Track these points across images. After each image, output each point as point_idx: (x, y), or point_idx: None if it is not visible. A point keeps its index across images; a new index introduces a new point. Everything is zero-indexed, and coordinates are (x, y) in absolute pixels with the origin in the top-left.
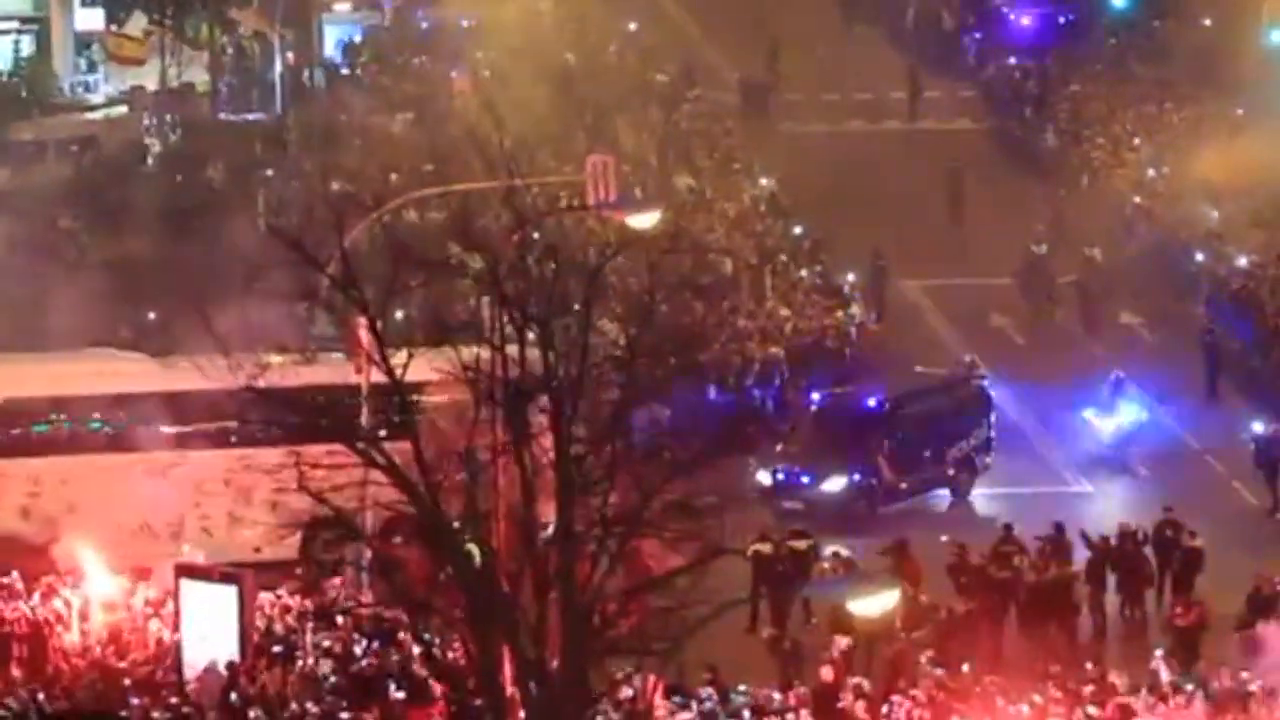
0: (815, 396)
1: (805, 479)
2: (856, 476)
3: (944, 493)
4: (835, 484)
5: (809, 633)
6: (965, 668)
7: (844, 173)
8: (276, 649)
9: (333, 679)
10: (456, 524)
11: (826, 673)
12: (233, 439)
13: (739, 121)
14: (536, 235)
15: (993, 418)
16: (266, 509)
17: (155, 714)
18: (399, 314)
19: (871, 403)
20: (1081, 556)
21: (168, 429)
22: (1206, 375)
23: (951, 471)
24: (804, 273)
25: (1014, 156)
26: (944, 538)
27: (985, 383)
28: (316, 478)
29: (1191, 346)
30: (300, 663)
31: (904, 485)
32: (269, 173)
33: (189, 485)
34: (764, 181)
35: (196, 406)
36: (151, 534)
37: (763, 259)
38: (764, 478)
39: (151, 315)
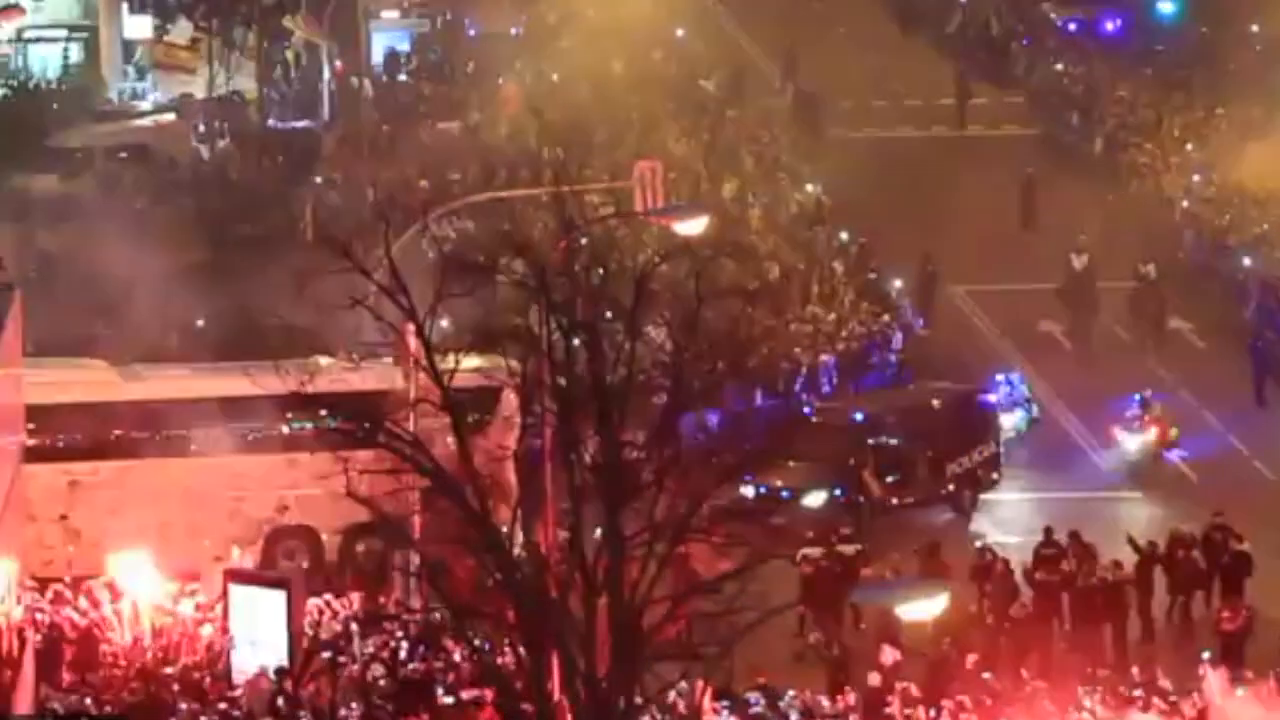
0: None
1: (785, 493)
2: (838, 491)
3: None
4: (815, 499)
5: (857, 638)
6: (1019, 674)
7: (892, 179)
8: (325, 654)
9: (382, 683)
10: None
11: (874, 679)
12: (192, 448)
13: (788, 128)
14: (584, 241)
15: (1001, 434)
16: (225, 517)
17: (204, 718)
18: (444, 322)
19: (859, 415)
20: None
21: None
22: (1255, 380)
23: (951, 488)
24: (851, 278)
25: (1062, 162)
26: (978, 542)
27: (991, 398)
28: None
29: (1240, 351)
30: (349, 668)
31: (894, 500)
32: (317, 180)
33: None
34: (810, 188)
35: (155, 415)
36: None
37: (810, 264)
38: (746, 490)
39: (200, 322)
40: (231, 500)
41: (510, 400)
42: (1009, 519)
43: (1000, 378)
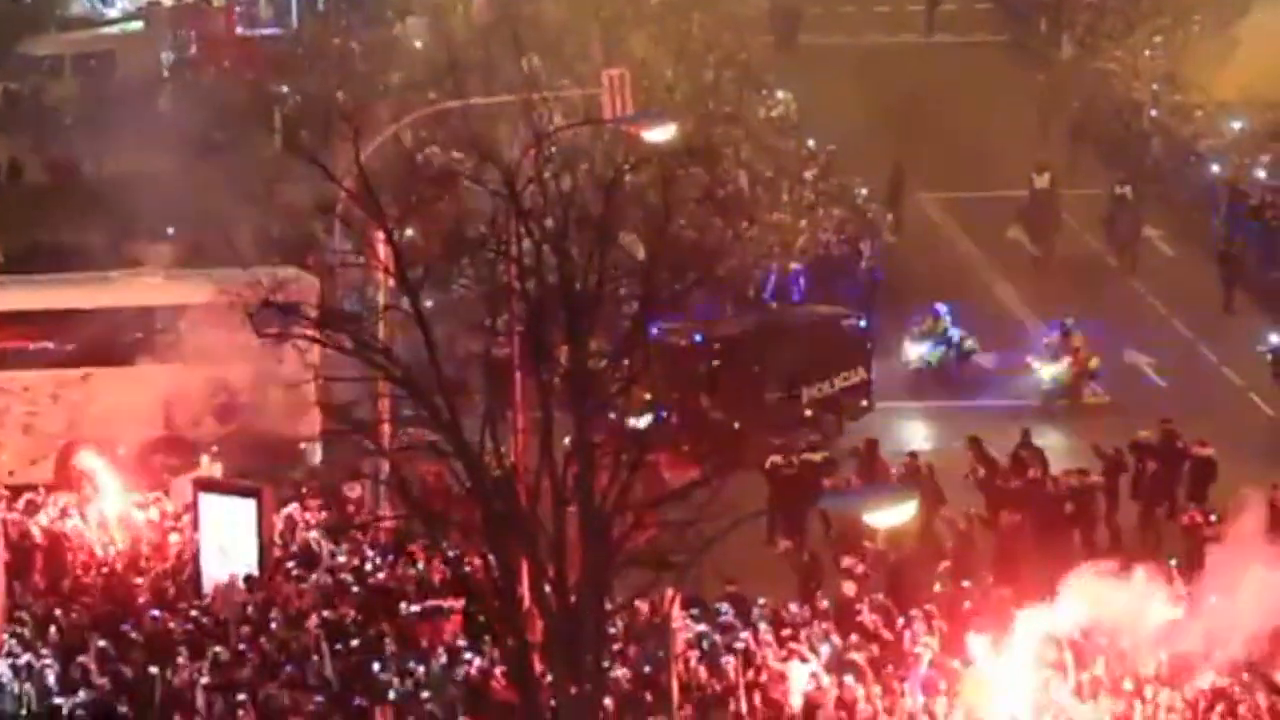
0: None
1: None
2: (663, 414)
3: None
4: (641, 420)
5: (827, 546)
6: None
7: (861, 86)
8: (295, 562)
9: (352, 591)
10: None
11: (849, 588)
12: None
13: (758, 36)
14: (554, 149)
15: (871, 358)
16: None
17: (173, 625)
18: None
19: (698, 337)
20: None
21: None
22: (1224, 288)
23: (809, 413)
24: (819, 186)
25: (1030, 70)
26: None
27: (861, 324)
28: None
29: (1209, 259)
30: (318, 576)
31: (735, 424)
32: (284, 88)
33: None
34: (780, 94)
35: None
36: None
37: (779, 172)
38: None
39: (170, 230)
40: (25, 415)
41: None
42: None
43: (942, 308)
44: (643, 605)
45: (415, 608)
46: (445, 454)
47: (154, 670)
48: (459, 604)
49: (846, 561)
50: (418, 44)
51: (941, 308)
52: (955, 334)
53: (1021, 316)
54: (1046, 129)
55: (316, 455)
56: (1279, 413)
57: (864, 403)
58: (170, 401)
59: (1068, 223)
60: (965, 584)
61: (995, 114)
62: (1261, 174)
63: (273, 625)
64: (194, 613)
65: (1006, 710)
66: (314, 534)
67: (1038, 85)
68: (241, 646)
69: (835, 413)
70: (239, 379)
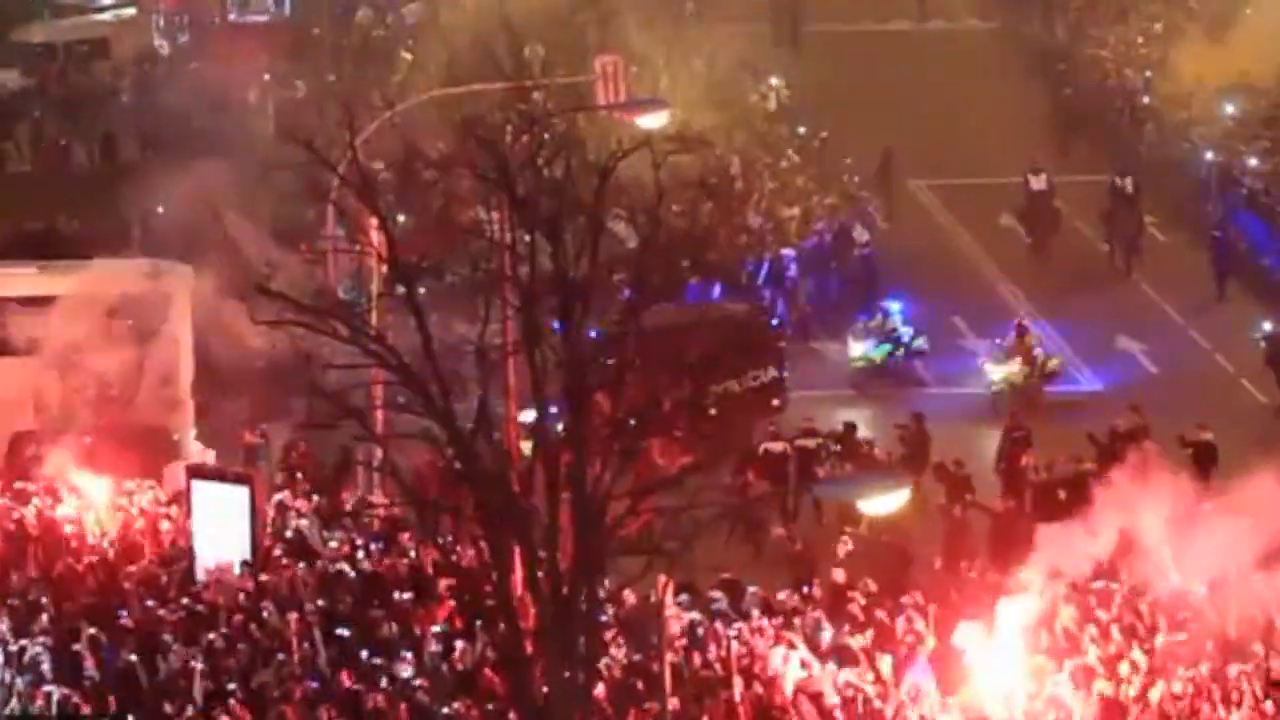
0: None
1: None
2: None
3: None
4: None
5: (820, 532)
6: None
7: (853, 73)
8: (288, 549)
9: (345, 579)
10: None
11: (839, 575)
12: None
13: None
14: (547, 135)
15: (783, 356)
16: None
17: (163, 612)
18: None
19: (592, 334)
20: None
21: None
22: (1216, 274)
23: (713, 412)
24: (811, 173)
25: (1022, 56)
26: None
27: (775, 322)
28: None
29: (1201, 245)
30: (311, 564)
31: (630, 422)
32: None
33: None
34: (774, 81)
35: None
36: None
37: (771, 158)
38: None
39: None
40: None
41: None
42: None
43: (892, 305)
44: (636, 593)
45: (409, 595)
46: (438, 441)
47: (145, 658)
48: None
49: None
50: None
51: (891, 305)
52: (905, 332)
53: (1013, 303)
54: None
55: (190, 446)
56: (1272, 399)
57: (775, 402)
58: (40, 393)
59: (1066, 220)
60: (963, 570)
61: (988, 100)
62: (1254, 161)
63: (265, 613)
64: (185, 600)
65: (1000, 697)
66: (305, 521)
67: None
68: (233, 633)
69: (744, 412)
70: (110, 371)
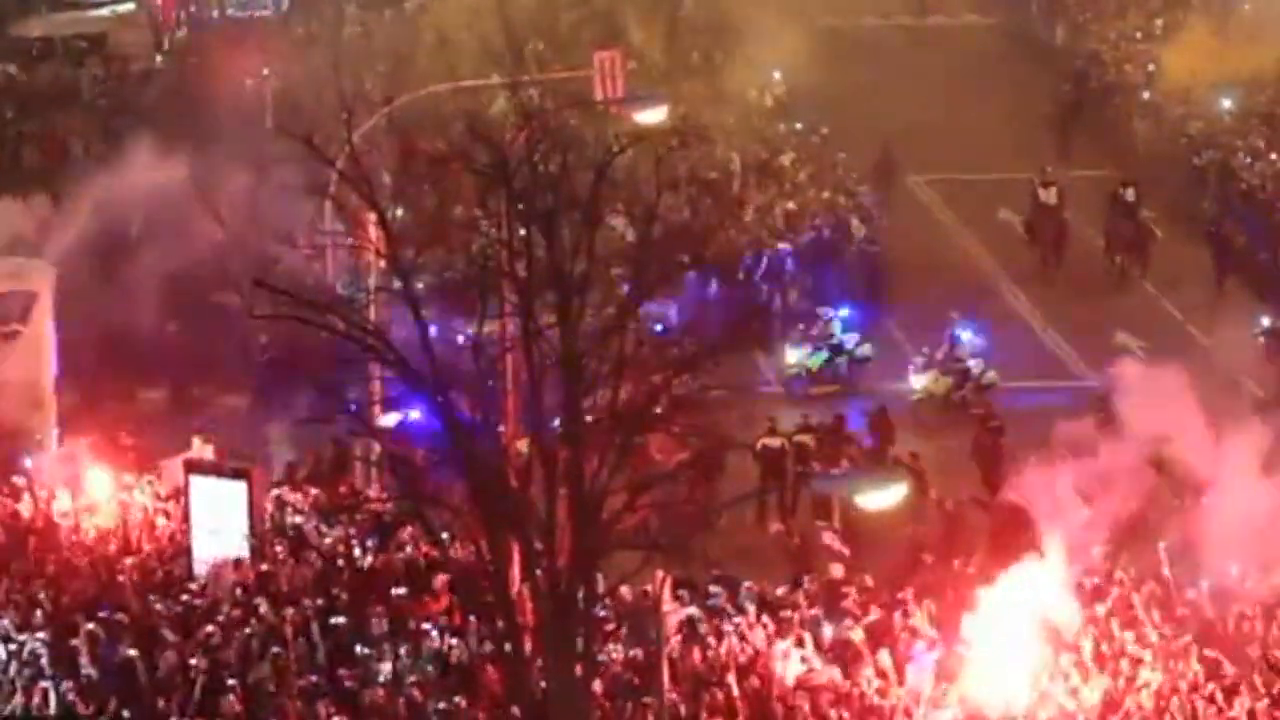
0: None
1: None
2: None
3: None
4: (389, 419)
5: (818, 527)
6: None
7: (853, 68)
8: (287, 544)
9: (345, 574)
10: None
11: (836, 570)
12: None
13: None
14: (544, 131)
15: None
16: None
17: (160, 607)
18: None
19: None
20: None
21: None
22: (1215, 269)
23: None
24: (810, 168)
25: (1021, 52)
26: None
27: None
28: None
29: (1200, 241)
30: (308, 559)
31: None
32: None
33: None
34: (776, 75)
35: None
36: None
37: (770, 154)
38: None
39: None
40: None
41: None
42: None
43: (830, 311)
44: (633, 588)
45: (407, 590)
46: (436, 436)
47: (143, 653)
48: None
49: (827, 538)
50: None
51: (830, 311)
52: (846, 339)
53: (1011, 300)
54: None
55: (52, 444)
56: (1268, 394)
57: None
58: None
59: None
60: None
61: (988, 96)
62: (1251, 157)
63: (262, 608)
64: (185, 596)
65: (1000, 692)
66: (302, 516)
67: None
68: (231, 628)
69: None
70: None
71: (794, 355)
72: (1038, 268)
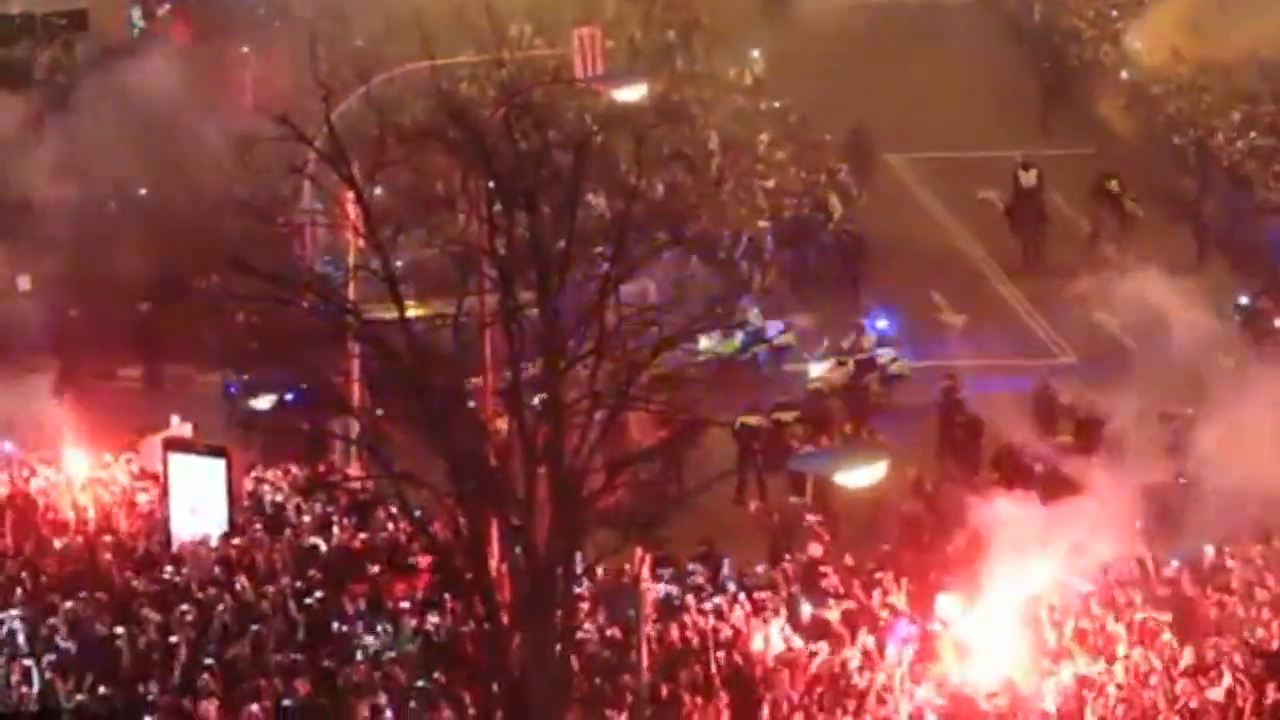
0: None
1: (232, 389)
2: (290, 396)
3: None
4: (263, 401)
5: (797, 506)
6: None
7: (833, 47)
8: (265, 522)
9: (322, 552)
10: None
11: (815, 549)
12: None
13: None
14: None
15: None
16: None
17: (138, 585)
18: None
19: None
20: None
21: None
22: (1195, 247)
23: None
24: (787, 146)
25: (1001, 28)
26: None
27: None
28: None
29: (1178, 220)
30: (287, 537)
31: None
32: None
33: None
34: (754, 54)
35: None
36: None
37: (749, 133)
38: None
39: (143, 192)
40: None
41: None
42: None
43: (746, 299)
44: (613, 566)
45: (385, 568)
46: (415, 414)
47: (121, 631)
48: (428, 561)
49: (810, 518)
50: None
51: (870, 322)
52: (881, 354)
53: (990, 277)
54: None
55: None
56: (1243, 369)
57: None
58: None
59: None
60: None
61: (967, 73)
62: (1230, 135)
63: (240, 586)
64: (165, 574)
65: (981, 670)
66: (281, 495)
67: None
68: (208, 606)
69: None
70: None
71: (705, 342)
72: (1018, 249)
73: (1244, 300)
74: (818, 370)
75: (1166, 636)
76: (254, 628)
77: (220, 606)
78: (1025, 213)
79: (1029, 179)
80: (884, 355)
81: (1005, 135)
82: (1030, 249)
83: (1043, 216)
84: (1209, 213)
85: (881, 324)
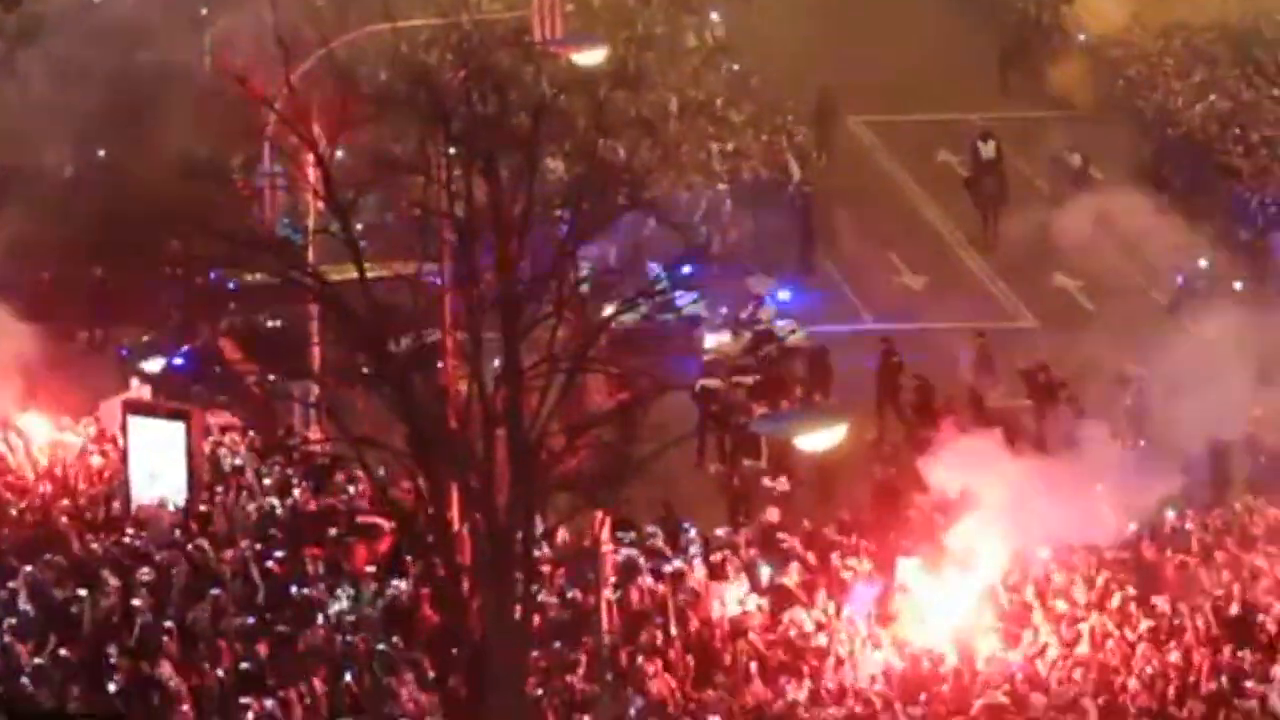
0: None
1: (124, 352)
2: (180, 361)
3: None
4: (153, 365)
5: (756, 469)
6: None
7: (792, 9)
8: (225, 486)
9: (280, 514)
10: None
11: (773, 513)
12: None
13: None
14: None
15: None
16: None
17: (95, 546)
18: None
19: (230, 284)
20: None
21: None
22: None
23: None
24: (747, 109)
25: None
26: None
27: None
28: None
29: (1139, 185)
30: (246, 500)
31: (255, 370)
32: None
33: None
34: (714, 17)
35: None
36: None
37: (708, 96)
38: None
39: (101, 153)
40: None
41: None
42: None
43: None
44: (573, 529)
45: (351, 525)
46: (375, 377)
47: (83, 594)
48: (389, 524)
49: (770, 482)
50: None
51: (655, 265)
52: (779, 326)
53: (949, 239)
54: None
55: None
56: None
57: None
58: None
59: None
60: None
61: (927, 36)
62: (1190, 99)
63: (200, 549)
64: (125, 539)
65: (939, 633)
66: (241, 458)
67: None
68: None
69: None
70: None
71: (712, 340)
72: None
73: (1203, 263)
74: (713, 341)
75: (1121, 599)
76: (213, 591)
77: (179, 570)
78: (985, 187)
79: (988, 151)
80: (783, 326)
81: (965, 98)
82: (990, 221)
83: (1003, 190)
84: (1167, 175)
85: (784, 295)
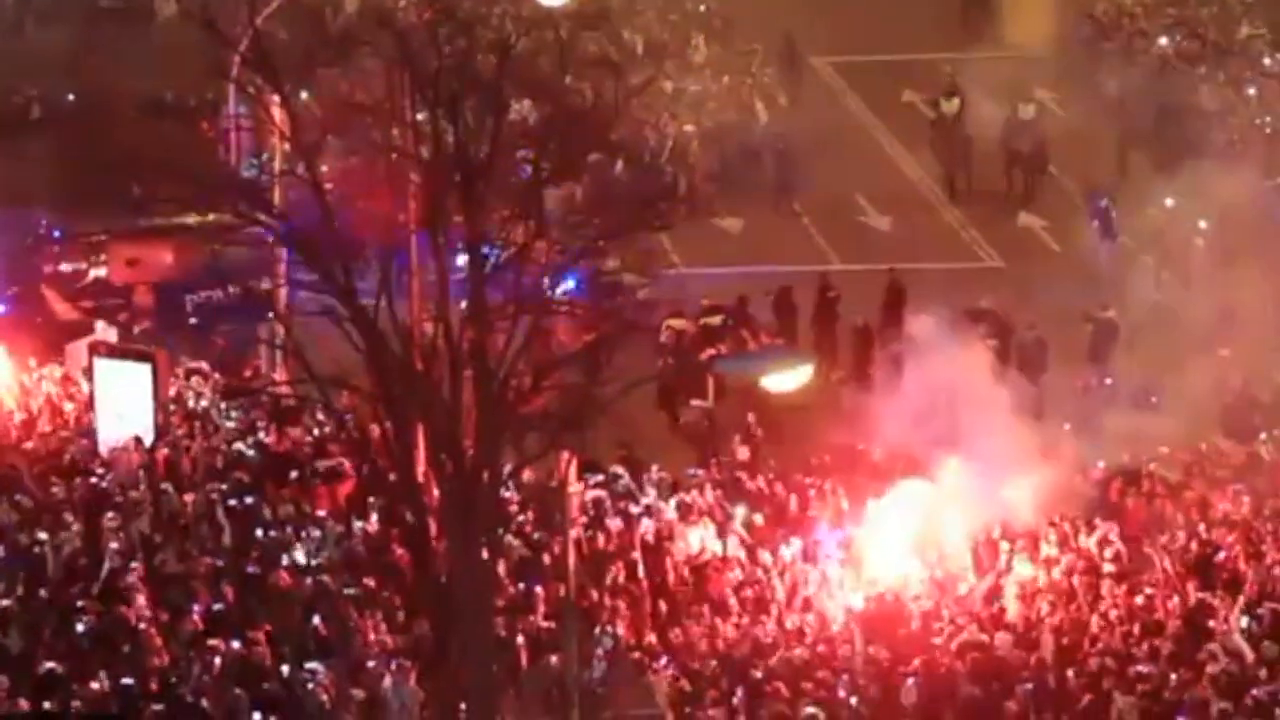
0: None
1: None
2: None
3: None
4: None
5: (723, 409)
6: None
7: None
8: (189, 427)
9: (249, 455)
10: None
11: (743, 453)
12: None
13: None
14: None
15: None
16: None
17: (59, 491)
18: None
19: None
20: None
21: None
22: (1118, 151)
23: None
24: (714, 51)
25: None
26: None
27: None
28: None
29: (1103, 122)
30: (213, 441)
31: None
32: None
33: None
34: None
35: None
36: None
37: (673, 36)
38: None
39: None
40: None
41: None
42: None
43: None
44: (539, 470)
45: (316, 466)
46: (340, 317)
47: (45, 537)
48: (352, 466)
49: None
50: None
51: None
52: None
53: (916, 180)
54: None
55: None
56: (1172, 275)
57: None
58: None
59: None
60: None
61: None
62: (1164, 40)
63: (166, 491)
64: (92, 480)
65: (903, 573)
66: (206, 400)
67: None
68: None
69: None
70: None
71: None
72: (938, 152)
73: (1169, 203)
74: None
75: (1090, 539)
76: (180, 534)
77: (145, 512)
78: (949, 146)
79: (951, 107)
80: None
81: (929, 37)
82: (956, 176)
83: (968, 153)
84: (1131, 113)
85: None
